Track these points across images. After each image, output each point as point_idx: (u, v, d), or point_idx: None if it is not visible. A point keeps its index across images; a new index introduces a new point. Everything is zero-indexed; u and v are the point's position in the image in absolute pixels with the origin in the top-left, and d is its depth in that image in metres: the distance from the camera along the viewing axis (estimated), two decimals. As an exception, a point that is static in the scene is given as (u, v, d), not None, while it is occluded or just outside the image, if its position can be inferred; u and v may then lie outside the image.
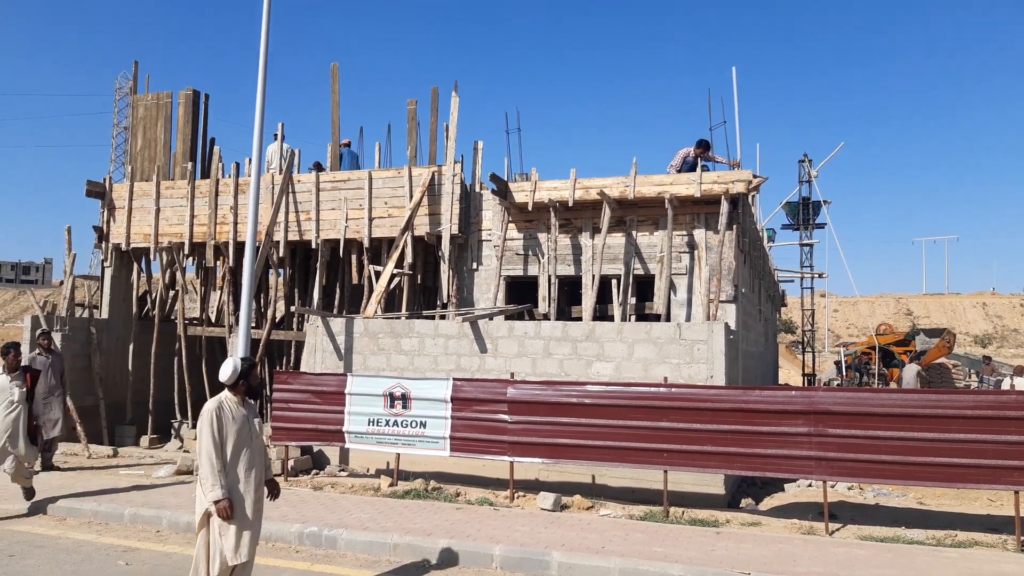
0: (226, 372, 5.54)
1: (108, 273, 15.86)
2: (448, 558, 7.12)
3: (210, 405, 5.41)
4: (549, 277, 12.65)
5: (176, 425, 15.01)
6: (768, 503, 10.16)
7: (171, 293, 16.15)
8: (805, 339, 32.49)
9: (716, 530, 8.06)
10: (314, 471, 11.10)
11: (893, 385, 27.61)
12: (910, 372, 23.36)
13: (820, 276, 31.78)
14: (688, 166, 12.67)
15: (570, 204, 12.50)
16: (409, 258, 13.03)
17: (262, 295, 16.00)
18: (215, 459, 5.25)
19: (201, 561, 5.28)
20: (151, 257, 15.60)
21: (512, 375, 10.08)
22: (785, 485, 11.33)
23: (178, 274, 15.64)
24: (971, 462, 7.80)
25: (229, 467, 5.31)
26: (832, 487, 10.53)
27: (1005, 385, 15.95)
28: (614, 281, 12.48)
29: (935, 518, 9.17)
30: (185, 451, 13.64)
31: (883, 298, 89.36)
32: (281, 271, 15.61)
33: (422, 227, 13.24)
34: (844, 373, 30.19)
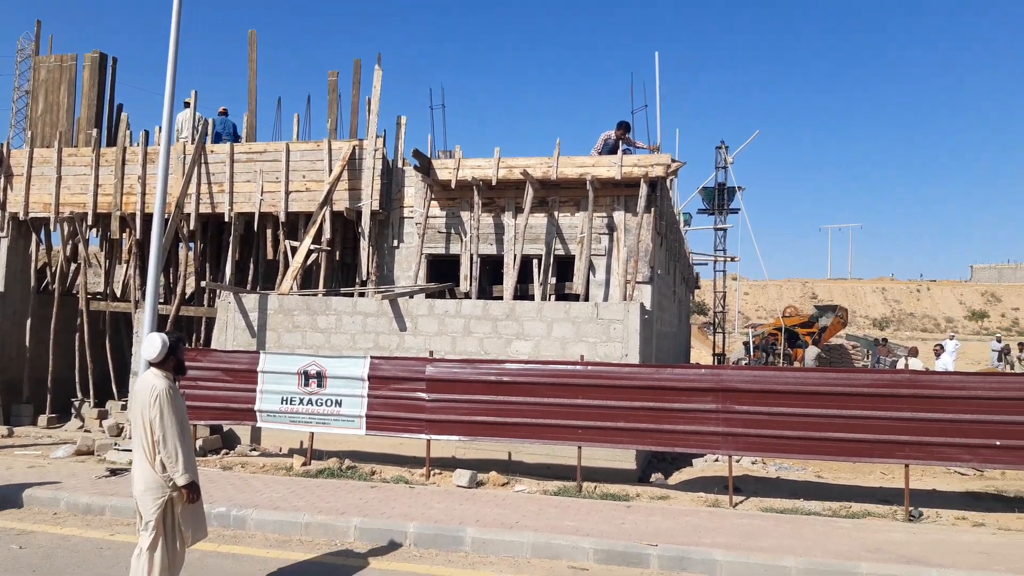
0: (153, 349, 5.15)
1: (4, 244, 14.93)
2: (361, 536, 7.04)
3: (160, 383, 5.05)
4: (471, 256, 12.59)
5: (77, 404, 14.33)
6: (677, 477, 10.44)
7: (73, 266, 15.35)
8: (717, 320, 33.49)
9: (627, 504, 8.23)
10: (224, 451, 10.78)
11: (797, 365, 28.79)
12: (811, 353, 24.43)
13: (732, 260, 32.74)
14: (608, 148, 12.80)
15: (493, 183, 12.45)
16: (328, 234, 12.74)
17: (171, 269, 15.37)
18: (179, 441, 5.00)
19: (159, 554, 4.98)
20: (51, 228, 14.78)
21: (432, 353, 10.01)
22: (693, 460, 11.67)
23: (80, 246, 14.86)
24: (867, 437, 8.19)
25: (186, 448, 5.07)
26: (737, 462, 10.90)
27: (900, 365, 16.82)
28: (535, 261, 12.52)
29: (832, 490, 9.61)
30: (86, 431, 13.05)
31: (791, 282, 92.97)
32: (192, 245, 15.00)
33: (342, 202, 12.95)
34: (752, 353, 31.29)
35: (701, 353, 38.54)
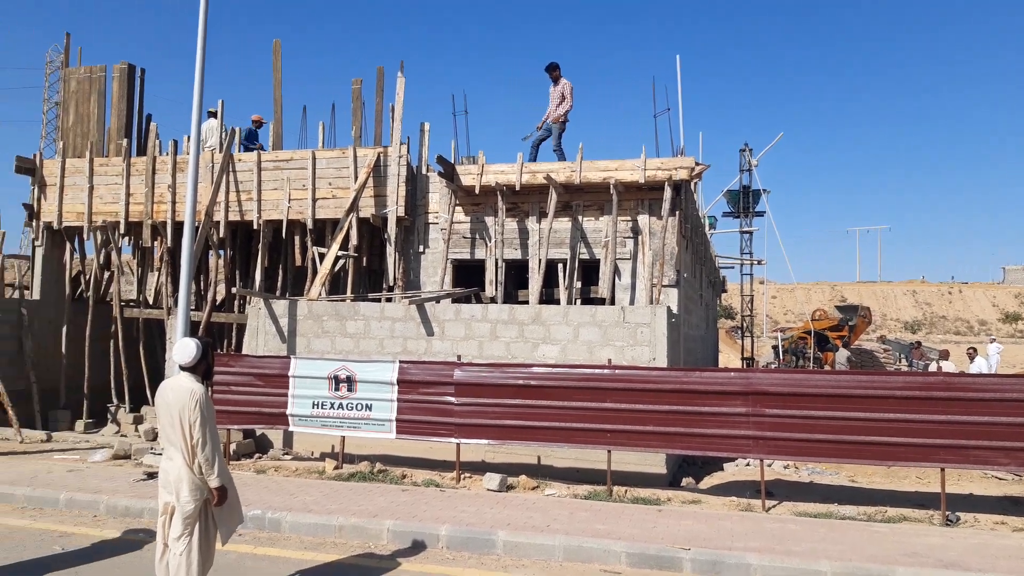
0: (187, 353, 5.27)
1: (39, 252, 15.29)
2: (394, 539, 7.12)
3: (198, 388, 5.17)
4: (496, 260, 12.67)
5: (112, 409, 14.61)
6: (707, 482, 10.42)
7: (106, 274, 15.66)
8: (744, 324, 33.29)
9: (658, 508, 8.24)
10: (257, 455, 10.94)
11: (827, 368, 28.51)
12: (841, 356, 24.19)
13: (759, 263, 32.55)
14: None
15: (517, 188, 12.53)
16: (354, 240, 12.89)
17: (202, 277, 15.63)
18: (215, 445, 5.15)
19: (195, 554, 5.10)
20: (85, 236, 15.09)
21: (459, 358, 10.09)
22: (724, 464, 11.63)
23: (113, 254, 15.17)
24: (901, 440, 8.13)
25: (220, 452, 5.22)
26: (769, 466, 10.85)
27: (933, 368, 16.64)
28: (560, 265, 12.57)
29: (866, 495, 9.54)
30: (122, 435, 13.30)
31: (819, 285, 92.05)
32: (222, 252, 15.26)
33: (368, 209, 13.10)
34: (781, 357, 31.05)
35: (729, 357, 38.29)
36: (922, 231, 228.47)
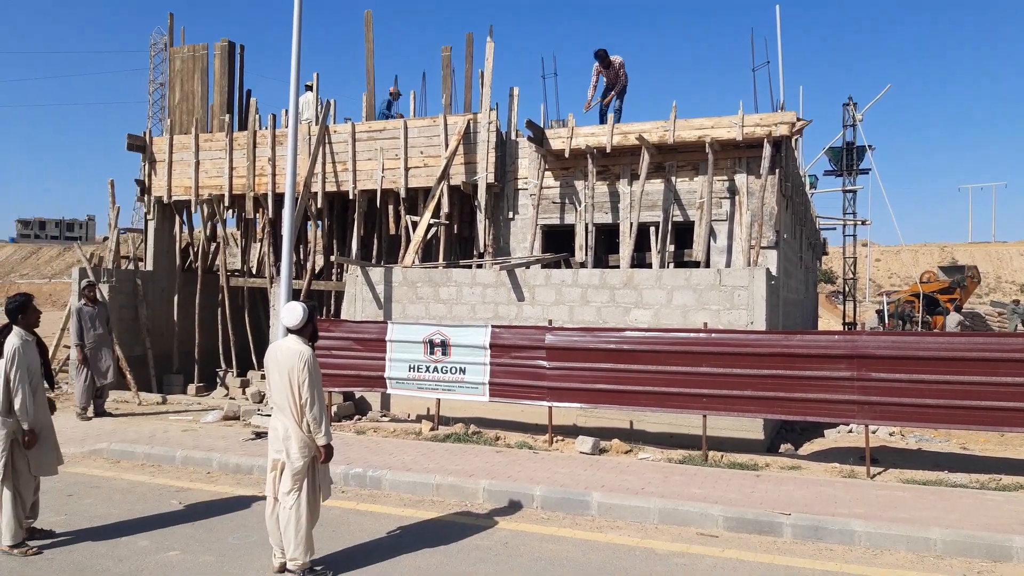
0: (294, 316, 5.46)
1: (151, 226, 16.15)
2: (489, 498, 7.27)
3: (306, 350, 5.37)
4: (586, 225, 12.57)
5: (221, 374, 15.39)
6: (807, 448, 10.14)
7: (213, 245, 16.42)
8: (846, 288, 32.00)
9: (756, 473, 8.09)
10: (356, 416, 11.33)
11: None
12: (952, 320, 22.99)
13: (863, 223, 31.15)
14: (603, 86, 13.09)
15: (608, 150, 12.35)
16: (445, 208, 13.03)
17: (301, 246, 16.17)
18: (323, 404, 5.39)
19: (304, 507, 5.35)
20: (192, 209, 15.82)
21: (550, 322, 10.11)
22: (824, 431, 11.29)
23: (219, 226, 15.87)
24: (1017, 405, 7.68)
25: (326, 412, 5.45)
26: (874, 432, 10.46)
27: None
28: (652, 228, 12.36)
29: (979, 463, 9.08)
30: (231, 398, 14.01)
31: (927, 247, 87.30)
32: (319, 223, 15.73)
33: (458, 176, 13.20)
34: (886, 322, 29.76)
35: (829, 323, 37.01)
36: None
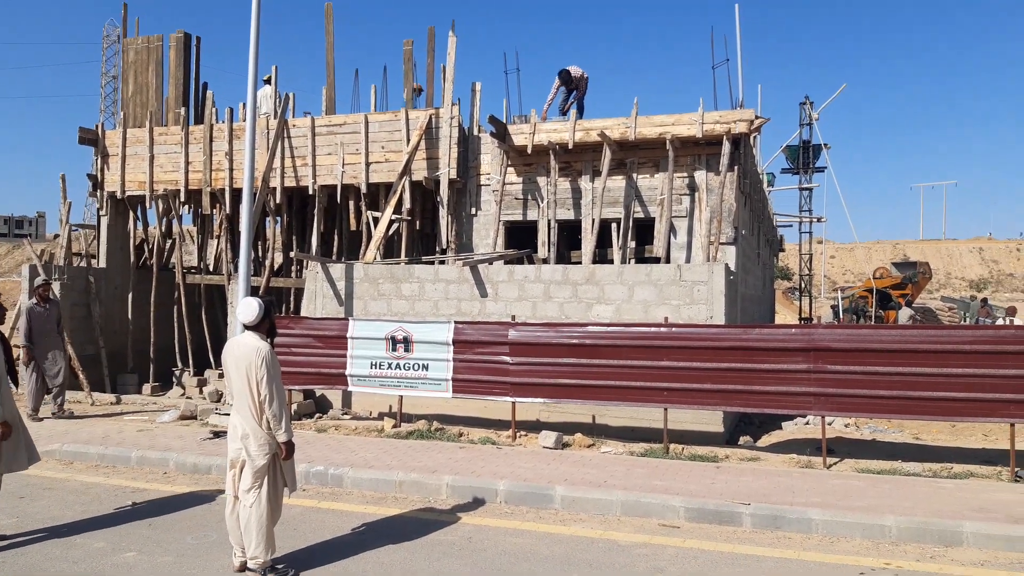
0: (250, 311, 5.35)
1: (104, 221, 15.79)
2: (452, 493, 7.26)
3: (263, 345, 5.28)
4: (549, 221, 12.62)
5: (177, 373, 15.12)
6: (766, 440, 10.32)
7: (168, 241, 16.11)
8: (802, 284, 32.62)
9: (716, 465, 8.21)
10: (317, 415, 11.21)
11: (889, 328, 27.81)
12: (904, 314, 23.56)
13: (819, 220, 31.81)
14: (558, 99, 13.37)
15: (570, 147, 12.41)
16: (407, 203, 12.96)
17: (260, 243, 15.97)
18: (281, 401, 5.29)
19: (265, 505, 5.26)
20: (147, 205, 15.50)
21: (513, 318, 10.12)
22: (782, 424, 11.50)
23: (175, 222, 15.57)
24: (968, 396, 7.89)
25: (286, 408, 5.36)
26: (830, 424, 10.70)
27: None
28: (614, 225, 12.46)
29: (931, 452, 9.34)
30: (187, 398, 13.76)
31: (880, 244, 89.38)
32: (278, 218, 15.54)
33: (420, 172, 13.14)
34: (840, 317, 30.40)
35: (786, 318, 37.67)
36: (990, 187, 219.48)
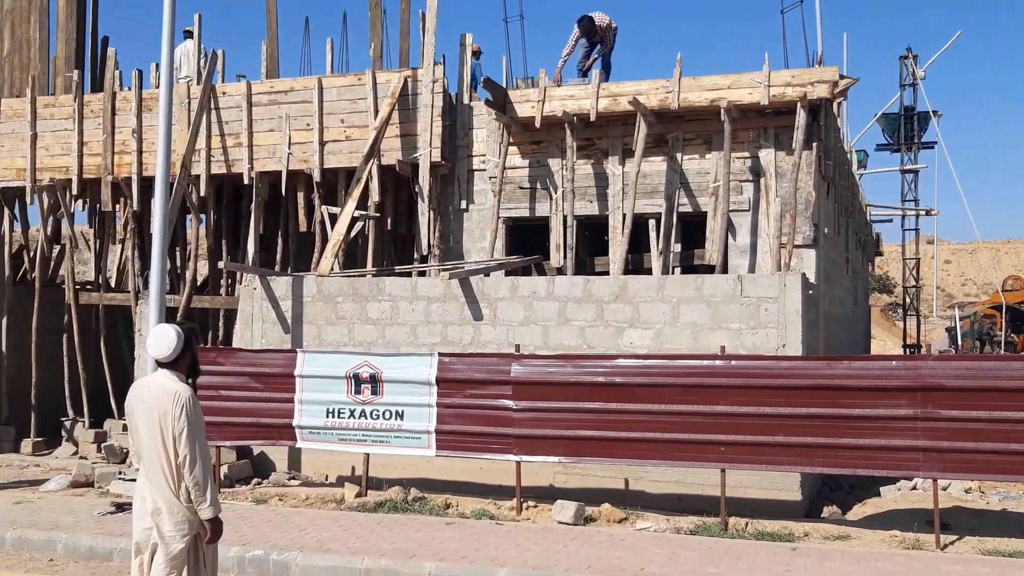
0: (165, 344, 5.34)
1: (-30, 223, 15.85)
2: (437, 587, 7.26)
3: (183, 389, 5.27)
4: (564, 218, 12.65)
5: (68, 424, 15.10)
6: (859, 511, 10.30)
7: (56, 248, 16.16)
8: (907, 299, 32.61)
9: (791, 546, 8.20)
10: (255, 480, 11.23)
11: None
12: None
13: (928, 213, 31.82)
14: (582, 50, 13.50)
15: (592, 118, 12.45)
16: (376, 195, 13.01)
17: (178, 249, 16.01)
18: (208, 463, 5.30)
19: None
20: (27, 200, 15.57)
21: (517, 348, 10.14)
22: (880, 489, 11.47)
23: (64, 222, 15.63)
24: None
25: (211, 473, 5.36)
26: (944, 489, 10.66)
27: None
28: (652, 222, 12.49)
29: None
30: (81, 457, 13.78)
31: (1012, 244, 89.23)
32: (203, 217, 15.59)
33: (392, 153, 13.20)
34: (960, 342, 30.42)
35: (886, 344, 37.72)
36: None
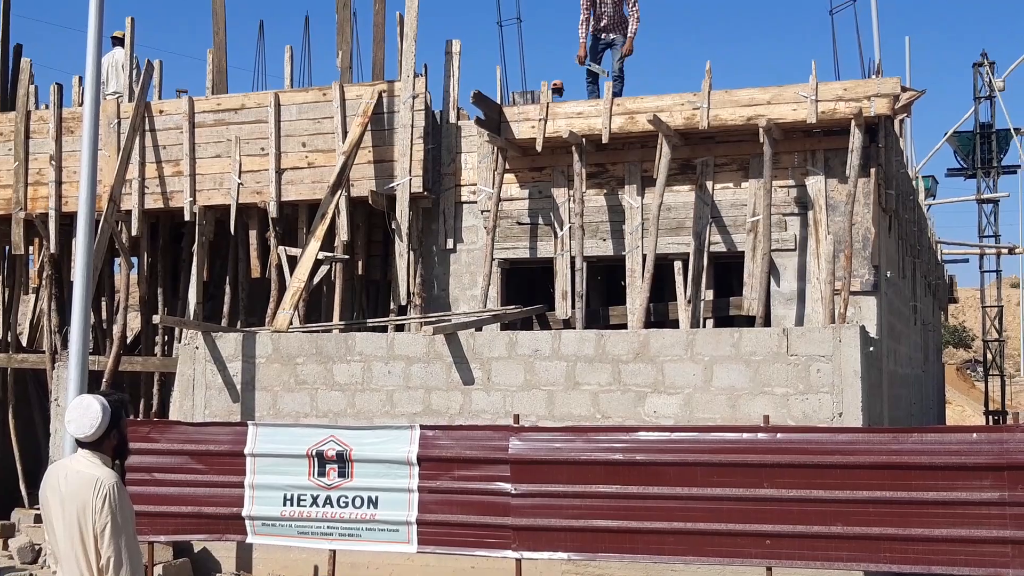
0: (89, 419, 5.26)
1: None
2: None
3: (105, 475, 5.18)
4: (572, 259, 12.65)
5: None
6: (936, 618, 10.20)
7: (-44, 299, 16.14)
8: (988, 355, 32.54)
9: (854, 662, 8.10)
10: (197, 582, 11.13)
11: None
12: None
13: (1012, 252, 31.81)
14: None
15: (605, 140, 12.50)
16: (344, 234, 13.03)
17: (104, 300, 16.00)
18: (138, 563, 5.23)
19: None
20: (-78, 242, 15.59)
21: (516, 419, 10.09)
22: (963, 589, 11.38)
23: (-33, 268, 15.63)
24: None
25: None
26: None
27: None
28: (678, 264, 12.51)
29: None
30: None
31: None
32: (135, 261, 15.59)
33: (364, 183, 13.23)
34: (1053, 409, 30.29)
35: (964, 411, 37.68)
36: None
